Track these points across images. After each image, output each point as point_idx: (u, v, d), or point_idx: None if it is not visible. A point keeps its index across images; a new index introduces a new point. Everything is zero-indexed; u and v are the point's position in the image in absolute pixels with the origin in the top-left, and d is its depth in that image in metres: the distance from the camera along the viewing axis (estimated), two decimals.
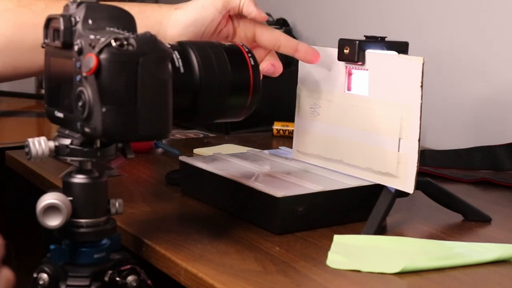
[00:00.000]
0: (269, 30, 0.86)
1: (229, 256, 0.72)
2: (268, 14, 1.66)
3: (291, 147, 0.98)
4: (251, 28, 0.85)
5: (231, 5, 0.85)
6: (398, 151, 0.81)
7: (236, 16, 0.86)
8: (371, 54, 0.84)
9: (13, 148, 1.21)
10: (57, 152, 0.65)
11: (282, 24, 1.64)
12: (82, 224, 0.66)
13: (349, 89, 0.88)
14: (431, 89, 1.25)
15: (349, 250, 0.74)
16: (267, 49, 0.87)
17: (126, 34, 0.61)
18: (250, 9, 0.84)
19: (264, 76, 0.84)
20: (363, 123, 0.85)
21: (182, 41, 0.76)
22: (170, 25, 0.83)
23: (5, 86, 1.87)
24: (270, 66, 0.85)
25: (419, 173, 0.80)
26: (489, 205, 0.93)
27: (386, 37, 0.85)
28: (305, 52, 0.87)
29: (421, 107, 0.79)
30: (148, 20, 0.83)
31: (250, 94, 0.75)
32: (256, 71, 0.76)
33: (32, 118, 1.69)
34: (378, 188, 0.83)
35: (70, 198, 0.65)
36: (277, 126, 1.39)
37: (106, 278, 0.68)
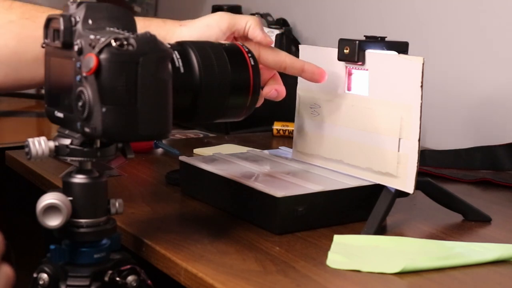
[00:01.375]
0: (274, 51, 0.85)
1: (229, 256, 0.72)
2: (268, 14, 1.66)
3: (291, 147, 0.97)
4: (256, 49, 0.84)
5: (236, 27, 0.85)
6: (398, 151, 0.81)
7: (241, 37, 0.86)
8: (371, 54, 0.84)
9: (13, 148, 1.21)
10: (57, 152, 0.65)
11: (282, 24, 1.64)
12: (82, 224, 0.66)
13: (349, 89, 0.88)
14: (431, 89, 1.25)
15: (349, 250, 0.74)
16: (271, 71, 0.86)
17: (126, 34, 0.61)
18: (255, 33, 0.84)
19: None
20: (363, 123, 0.85)
21: (182, 41, 0.76)
22: (173, 42, 0.83)
23: None
24: (273, 91, 0.84)
25: (419, 173, 0.80)
26: (489, 205, 0.93)
27: (386, 37, 0.85)
28: (311, 73, 0.86)
29: (421, 107, 0.79)
30: None
31: (250, 94, 0.75)
32: (256, 71, 0.76)
33: (32, 118, 1.69)
34: (378, 188, 0.83)
35: (70, 198, 0.65)
36: (277, 126, 1.39)
37: (106, 278, 0.68)
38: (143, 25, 0.83)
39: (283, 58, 0.85)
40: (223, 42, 0.80)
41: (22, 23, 0.84)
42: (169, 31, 0.84)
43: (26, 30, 0.83)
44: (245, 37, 0.86)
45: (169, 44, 0.70)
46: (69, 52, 0.63)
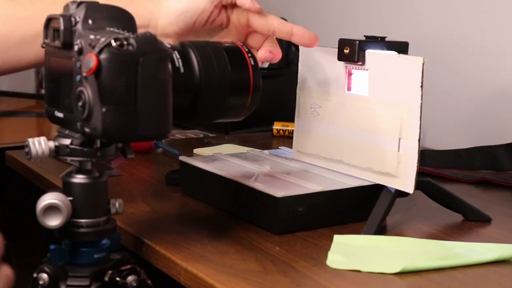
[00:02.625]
0: (262, 16, 0.84)
1: (229, 256, 0.72)
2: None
3: (291, 147, 0.97)
4: (245, 14, 0.83)
5: None
6: (398, 151, 0.81)
7: (229, 5, 0.85)
8: (371, 54, 0.84)
9: (13, 148, 1.21)
10: (57, 152, 0.65)
11: None
12: (82, 224, 0.66)
13: (349, 89, 0.88)
14: (431, 89, 1.25)
15: (349, 250, 0.74)
16: (264, 35, 0.85)
17: (126, 34, 0.61)
18: (243, 1, 0.84)
19: (263, 75, 0.84)
20: (363, 123, 0.85)
21: (182, 41, 0.76)
22: (161, 14, 0.82)
23: (5, 86, 1.87)
24: (267, 53, 0.83)
25: (419, 173, 0.80)
26: (489, 205, 0.93)
27: (386, 37, 0.85)
28: (301, 36, 0.84)
29: (421, 107, 0.79)
30: (139, 9, 0.82)
31: (250, 94, 0.75)
32: (256, 71, 0.76)
33: (32, 118, 1.69)
34: (378, 188, 0.83)
35: (70, 198, 0.65)
36: (277, 126, 1.39)
37: (106, 278, 0.68)
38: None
39: (271, 21, 0.83)
40: (223, 42, 0.80)
41: (6, 4, 0.82)
42: (157, 4, 0.83)
43: (11, 11, 0.82)
44: (234, 4, 0.85)
45: (169, 44, 0.70)
46: (69, 52, 0.63)
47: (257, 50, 0.84)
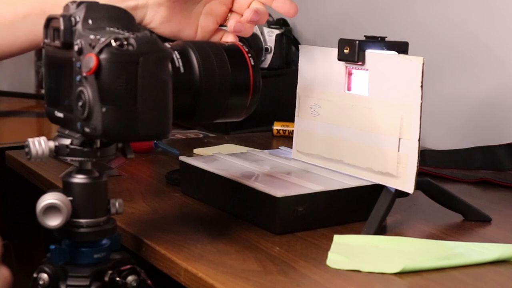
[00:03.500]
0: None
1: (229, 256, 0.72)
2: (268, 14, 1.66)
3: (291, 147, 0.97)
4: None
5: None
6: (398, 151, 0.81)
7: None
8: (371, 54, 0.84)
9: (13, 148, 1.21)
10: (57, 152, 0.65)
11: (282, 24, 1.64)
12: (82, 224, 0.66)
13: (349, 89, 0.88)
14: (431, 89, 1.25)
15: (349, 250, 0.74)
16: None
17: (126, 34, 0.61)
18: None
19: (263, 75, 0.84)
20: (363, 123, 0.85)
21: (182, 41, 0.76)
22: None
23: (5, 86, 1.87)
24: (254, 14, 0.82)
25: (419, 173, 0.80)
26: (489, 205, 0.93)
27: (386, 37, 0.85)
28: (283, 3, 0.83)
29: (421, 107, 0.79)
30: None
31: (250, 94, 0.75)
32: (256, 71, 0.76)
33: (32, 118, 1.69)
34: (378, 188, 0.83)
35: (70, 198, 0.65)
36: (277, 126, 1.39)
37: (106, 278, 0.68)
38: None
39: None
40: (223, 42, 0.80)
41: None
42: None
43: None
44: None
45: (169, 44, 0.70)
46: (69, 52, 0.64)
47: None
